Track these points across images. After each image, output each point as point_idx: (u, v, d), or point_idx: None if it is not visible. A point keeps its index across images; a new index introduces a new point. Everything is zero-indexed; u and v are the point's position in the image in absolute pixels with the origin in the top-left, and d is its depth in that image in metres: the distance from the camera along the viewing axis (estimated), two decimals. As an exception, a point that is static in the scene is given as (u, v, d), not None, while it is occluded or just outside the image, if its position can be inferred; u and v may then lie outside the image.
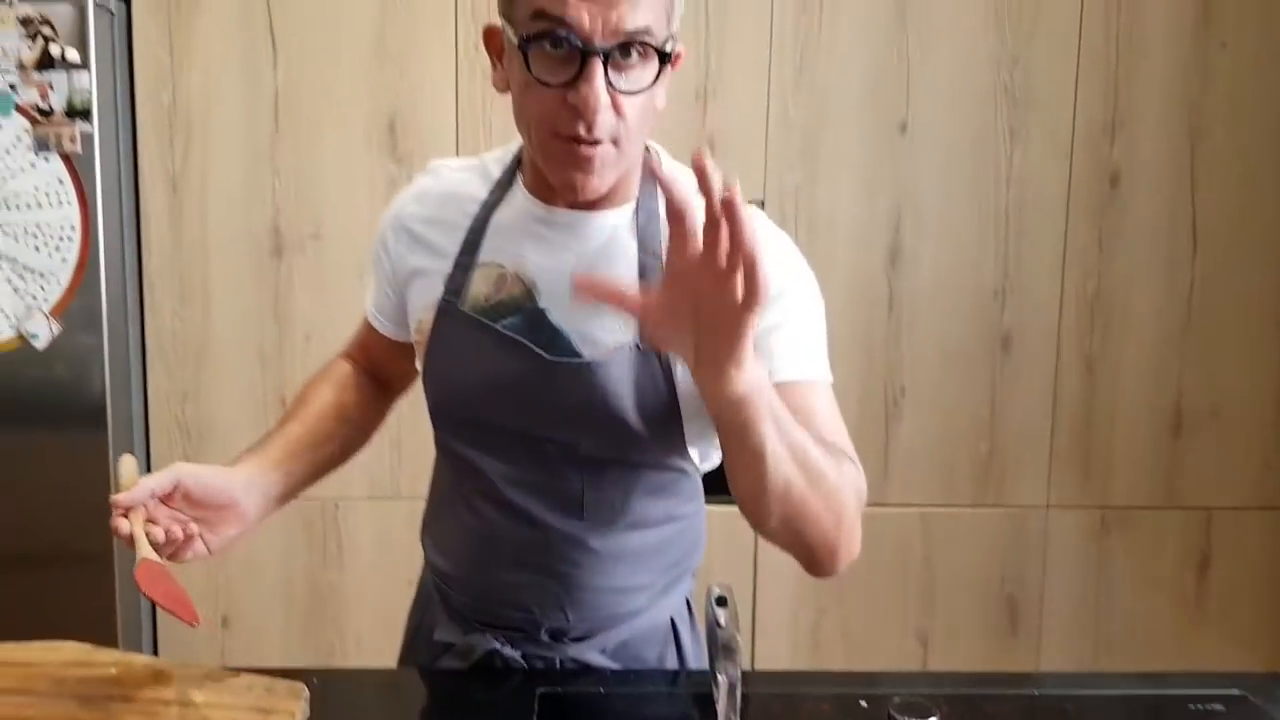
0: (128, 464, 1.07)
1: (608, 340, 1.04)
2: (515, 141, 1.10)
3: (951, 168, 2.31)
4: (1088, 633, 2.45)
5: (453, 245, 1.11)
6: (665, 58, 0.94)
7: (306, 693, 1.03)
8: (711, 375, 0.84)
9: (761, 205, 2.30)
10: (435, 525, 1.23)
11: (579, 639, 1.15)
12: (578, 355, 1.04)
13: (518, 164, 1.12)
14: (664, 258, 0.99)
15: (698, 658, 1.21)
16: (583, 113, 0.92)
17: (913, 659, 2.44)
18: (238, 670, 1.06)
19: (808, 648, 2.42)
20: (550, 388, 1.05)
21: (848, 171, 2.31)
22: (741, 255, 0.77)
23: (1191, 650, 2.45)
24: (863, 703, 1.09)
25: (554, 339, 1.05)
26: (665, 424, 1.06)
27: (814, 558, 0.99)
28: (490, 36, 1.02)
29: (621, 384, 1.03)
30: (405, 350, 1.21)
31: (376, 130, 2.27)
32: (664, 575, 1.18)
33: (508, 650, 1.14)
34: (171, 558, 1.03)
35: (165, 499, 1.03)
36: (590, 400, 1.03)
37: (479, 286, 1.09)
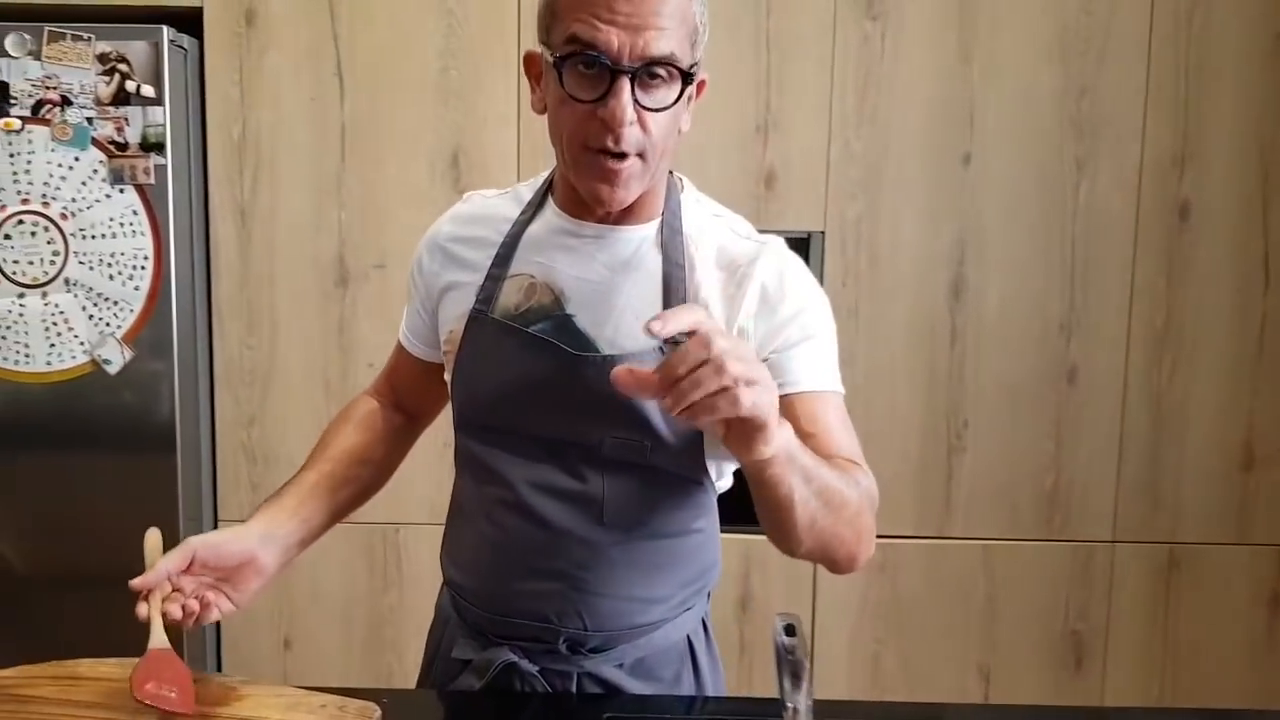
0: (153, 540, 1.12)
1: (631, 346, 1.09)
2: (546, 170, 1.19)
3: (1016, 200, 2.29)
4: (1154, 669, 2.41)
5: (485, 260, 1.16)
6: (688, 79, 1.02)
7: (379, 712, 1.05)
8: (739, 447, 0.90)
9: (822, 237, 2.30)
10: (453, 541, 1.25)
11: (596, 650, 1.17)
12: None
13: (549, 185, 1.18)
14: (686, 270, 1.10)
15: (714, 680, 1.24)
16: (611, 126, 1.00)
17: (973, 693, 2.42)
18: (310, 689, 1.09)
19: (866, 679, 2.41)
20: (575, 384, 1.09)
21: (910, 204, 2.29)
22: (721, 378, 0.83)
23: (1262, 688, 2.40)
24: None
25: (580, 343, 1.10)
26: (686, 427, 1.09)
27: (836, 567, 1.08)
28: (530, 62, 1.10)
29: None
30: (434, 374, 1.25)
31: (440, 162, 2.30)
32: (680, 590, 1.19)
33: (525, 664, 1.15)
34: (195, 623, 1.08)
35: (186, 570, 1.09)
36: (616, 395, 1.01)
37: (509, 296, 1.14)
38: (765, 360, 1.07)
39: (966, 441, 2.34)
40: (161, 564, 1.08)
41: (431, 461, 1.81)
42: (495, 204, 1.21)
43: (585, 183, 1.06)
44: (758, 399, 0.84)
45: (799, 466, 0.93)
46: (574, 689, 1.17)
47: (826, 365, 1.12)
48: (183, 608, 1.07)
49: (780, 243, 1.14)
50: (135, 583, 1.06)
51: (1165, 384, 2.32)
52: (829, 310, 1.14)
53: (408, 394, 1.33)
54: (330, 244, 2.33)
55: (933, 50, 2.25)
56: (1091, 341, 2.31)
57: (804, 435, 1.02)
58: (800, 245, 2.28)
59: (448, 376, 1.20)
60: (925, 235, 2.30)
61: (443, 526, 1.27)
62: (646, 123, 1.02)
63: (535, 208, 1.18)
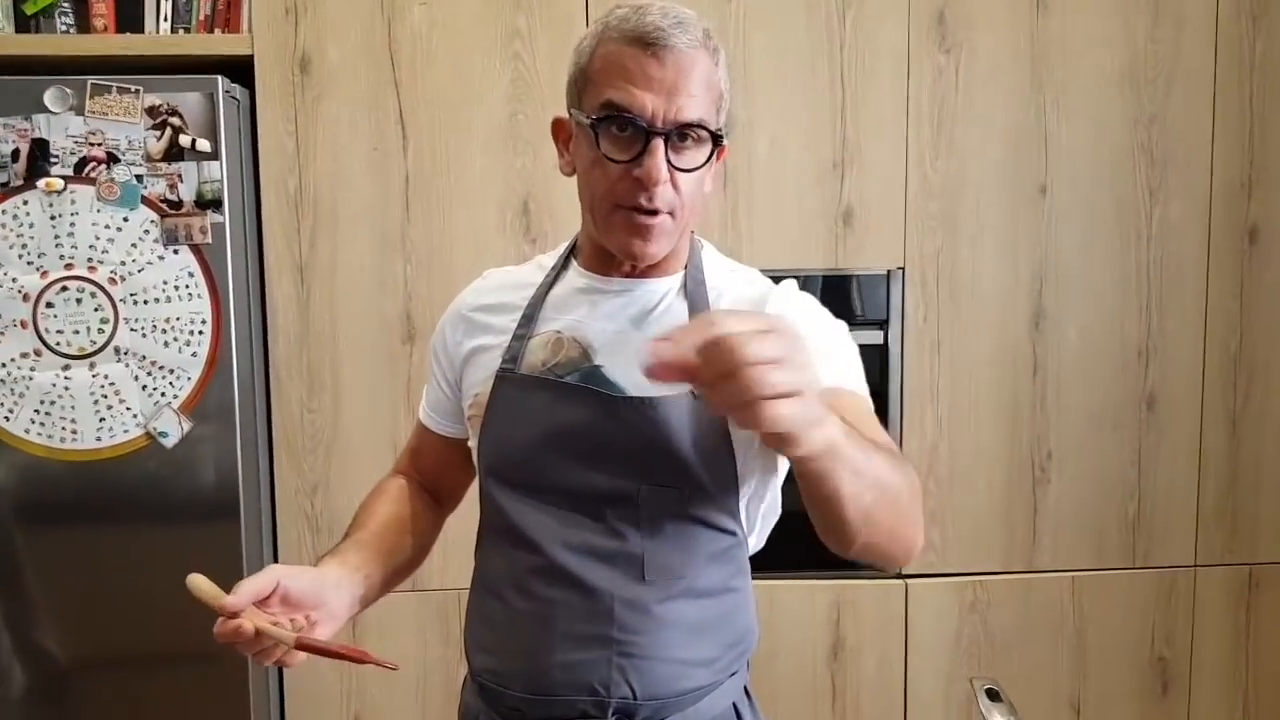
0: (200, 580, 1.04)
1: (660, 392, 1.07)
2: (564, 242, 1.23)
3: (1092, 229, 2.29)
4: (1239, 692, 2.41)
5: (510, 323, 1.17)
6: (717, 141, 1.08)
7: None
8: (774, 445, 0.84)
9: (902, 274, 2.27)
10: (480, 624, 1.19)
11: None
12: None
13: (571, 249, 1.22)
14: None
15: None
16: (646, 184, 1.05)
17: (1063, 726, 2.40)
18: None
19: (962, 718, 2.37)
20: (610, 430, 1.08)
21: (989, 236, 2.28)
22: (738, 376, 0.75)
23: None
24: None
25: (613, 391, 1.10)
26: (721, 469, 1.10)
27: (892, 561, 1.05)
28: (558, 127, 1.16)
29: (681, 423, 1.08)
30: (460, 452, 1.24)
31: (510, 211, 2.22)
32: (724, 653, 1.16)
33: None
34: (259, 657, 1.04)
35: (261, 603, 1.04)
36: (653, 438, 1.07)
37: (535, 353, 1.14)
38: None
39: (1051, 473, 2.33)
40: (247, 586, 1.02)
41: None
42: (517, 273, 1.25)
43: (617, 238, 1.09)
44: (787, 412, 0.76)
45: (847, 459, 0.87)
46: None
47: (843, 368, 1.10)
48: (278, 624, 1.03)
49: (793, 284, 1.17)
50: (226, 603, 1.00)
51: (1241, 406, 2.34)
52: (844, 329, 1.15)
53: (434, 474, 1.32)
54: (395, 300, 2.23)
55: (1006, 81, 2.25)
56: (1169, 366, 2.32)
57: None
58: (880, 282, 2.26)
59: (473, 443, 1.18)
60: (1004, 267, 2.29)
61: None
62: (677, 182, 1.06)
63: (558, 270, 1.20)
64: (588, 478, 1.11)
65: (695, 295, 1.15)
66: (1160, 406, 2.33)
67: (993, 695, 1.04)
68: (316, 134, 2.18)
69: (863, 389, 1.12)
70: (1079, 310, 2.30)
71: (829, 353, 1.12)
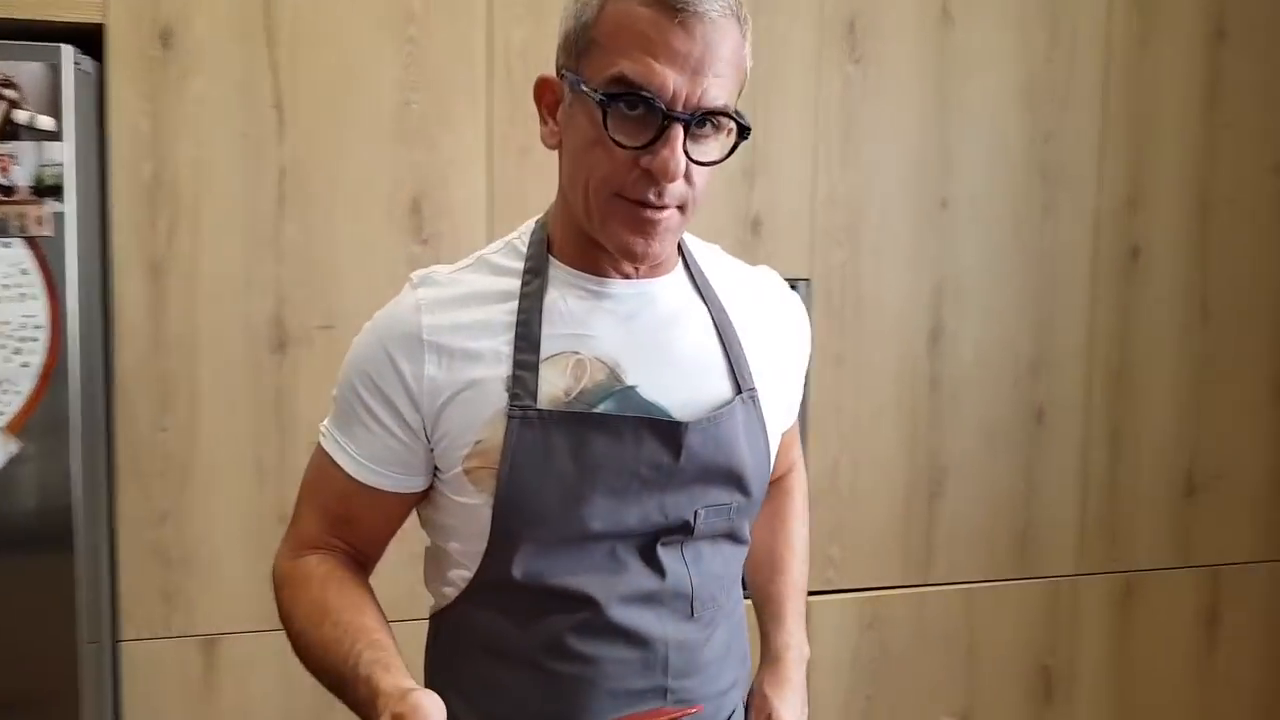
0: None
1: (709, 401, 1.02)
2: (513, 233, 1.06)
3: (990, 244, 2.30)
4: (1116, 697, 2.49)
5: (504, 346, 0.98)
6: (745, 132, 0.94)
7: None
8: None
9: (808, 285, 2.22)
10: (486, 696, 1.04)
11: None
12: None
13: (545, 246, 1.03)
14: (731, 331, 1.06)
15: None
16: (660, 177, 0.90)
17: (952, 738, 2.40)
18: None
19: (859, 738, 2.34)
20: (678, 456, 0.99)
21: (892, 248, 2.25)
22: None
23: (1204, 706, 2.53)
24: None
25: (656, 414, 1.00)
26: (764, 474, 1.08)
27: None
28: (545, 89, 0.99)
29: (738, 434, 1.03)
30: (405, 505, 1.06)
31: (399, 209, 2.02)
32: (741, 671, 1.15)
33: None
34: None
35: None
36: (716, 458, 1.02)
37: (553, 383, 0.98)
38: (796, 381, 1.16)
39: (946, 486, 2.33)
40: None
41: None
42: (478, 281, 1.02)
43: (614, 233, 0.94)
44: None
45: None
46: None
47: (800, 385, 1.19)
48: None
49: (775, 276, 1.18)
50: None
51: (1122, 419, 2.41)
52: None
53: (372, 542, 1.08)
54: (265, 303, 1.99)
55: (912, 93, 2.23)
56: (1057, 381, 2.36)
57: (786, 447, 1.18)
58: (786, 293, 2.19)
59: (470, 499, 0.99)
60: (905, 281, 2.27)
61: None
62: (691, 175, 0.93)
63: (538, 275, 1.01)
64: (644, 516, 1.00)
65: (705, 290, 1.07)
66: (1048, 420, 2.37)
67: None
68: (178, 116, 1.92)
69: None
70: (975, 325, 2.31)
71: (803, 368, 1.17)
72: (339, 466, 1.02)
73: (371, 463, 1.02)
